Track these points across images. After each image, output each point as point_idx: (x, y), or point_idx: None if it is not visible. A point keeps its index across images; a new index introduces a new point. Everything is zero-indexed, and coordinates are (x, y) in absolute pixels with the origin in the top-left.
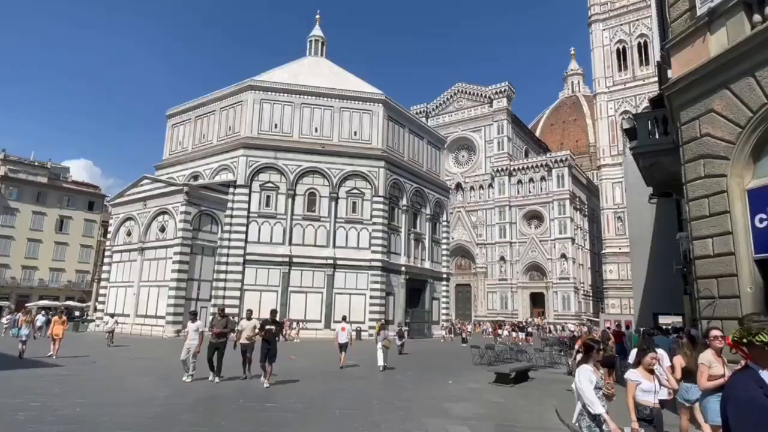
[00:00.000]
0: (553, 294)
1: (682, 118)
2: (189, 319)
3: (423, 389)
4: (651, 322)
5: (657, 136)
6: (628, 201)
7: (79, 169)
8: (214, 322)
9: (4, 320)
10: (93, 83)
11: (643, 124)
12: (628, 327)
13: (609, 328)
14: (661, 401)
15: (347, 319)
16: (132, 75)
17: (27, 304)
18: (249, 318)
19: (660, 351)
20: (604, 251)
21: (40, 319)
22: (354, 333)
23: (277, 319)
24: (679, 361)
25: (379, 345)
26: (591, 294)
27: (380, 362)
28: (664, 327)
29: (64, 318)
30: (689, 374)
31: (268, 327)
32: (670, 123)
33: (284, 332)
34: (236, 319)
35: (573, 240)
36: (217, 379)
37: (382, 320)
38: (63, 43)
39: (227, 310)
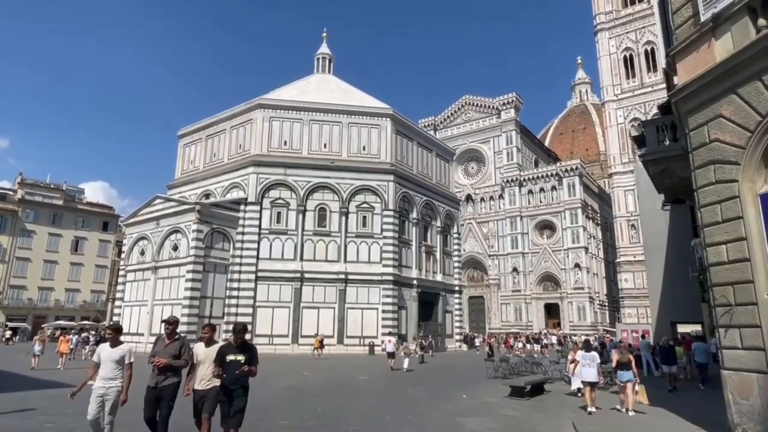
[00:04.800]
0: (568, 304)
1: (691, 124)
2: (107, 337)
3: (436, 404)
4: (669, 330)
5: (666, 143)
6: (641, 208)
7: (95, 191)
8: (158, 347)
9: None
10: (105, 103)
11: (652, 130)
12: (644, 336)
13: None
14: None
15: (392, 333)
16: (145, 96)
17: (43, 325)
18: (209, 342)
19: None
20: (618, 260)
21: (90, 339)
22: (400, 344)
23: (247, 338)
24: (615, 356)
25: (402, 353)
26: (607, 304)
27: (405, 365)
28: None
29: (69, 337)
30: (622, 365)
31: (229, 359)
32: (679, 129)
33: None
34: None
35: (586, 249)
36: None
37: (397, 335)
38: (79, 71)
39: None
